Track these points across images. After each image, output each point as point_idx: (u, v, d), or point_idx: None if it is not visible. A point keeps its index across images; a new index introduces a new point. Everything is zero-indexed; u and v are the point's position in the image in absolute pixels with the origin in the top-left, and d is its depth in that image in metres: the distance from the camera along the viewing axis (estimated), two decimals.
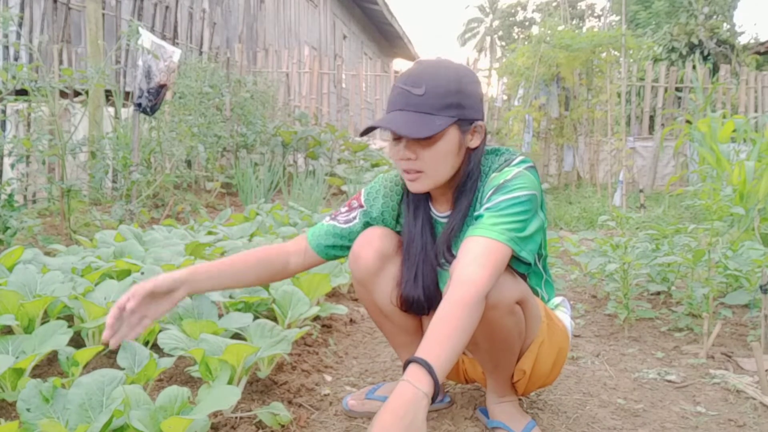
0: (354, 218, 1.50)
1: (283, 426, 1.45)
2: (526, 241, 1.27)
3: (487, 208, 1.28)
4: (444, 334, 1.10)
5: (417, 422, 1.00)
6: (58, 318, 1.90)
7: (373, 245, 1.43)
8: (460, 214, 1.37)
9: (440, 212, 1.44)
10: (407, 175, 1.33)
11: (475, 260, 1.20)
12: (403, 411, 1.00)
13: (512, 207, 1.26)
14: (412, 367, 1.05)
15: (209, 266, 1.44)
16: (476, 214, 1.32)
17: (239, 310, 2.01)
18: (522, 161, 1.34)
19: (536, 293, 1.47)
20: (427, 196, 1.45)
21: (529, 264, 1.33)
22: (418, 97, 1.26)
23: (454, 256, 1.30)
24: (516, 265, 1.31)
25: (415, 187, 1.34)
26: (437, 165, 1.31)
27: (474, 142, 1.35)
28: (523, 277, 1.39)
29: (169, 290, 1.36)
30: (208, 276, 1.42)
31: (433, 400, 1.05)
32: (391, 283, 1.44)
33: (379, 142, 8.82)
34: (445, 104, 1.27)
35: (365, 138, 8.78)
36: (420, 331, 1.57)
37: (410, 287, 1.41)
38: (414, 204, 1.44)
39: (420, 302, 1.43)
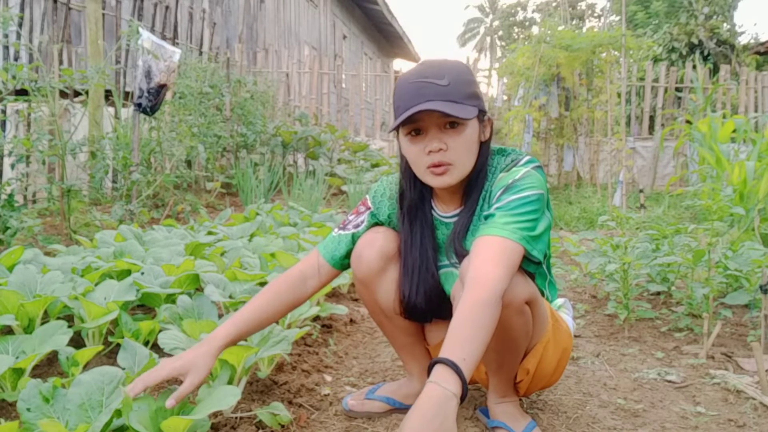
0: (362, 221, 1.51)
1: (283, 426, 1.45)
2: (537, 239, 1.28)
3: (497, 208, 1.28)
4: (467, 335, 1.09)
5: (447, 423, 1.00)
6: (58, 318, 1.91)
7: (376, 245, 1.43)
8: (471, 211, 1.37)
9: (446, 212, 1.43)
10: (435, 170, 1.30)
11: (491, 259, 1.19)
12: (432, 413, 0.99)
13: (523, 206, 1.27)
14: (439, 368, 1.05)
15: (238, 324, 1.37)
16: (485, 213, 1.32)
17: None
18: (529, 161, 1.34)
19: (542, 294, 1.47)
20: (429, 199, 1.45)
21: (539, 263, 1.33)
22: (445, 88, 1.26)
23: (467, 252, 1.30)
24: (525, 265, 1.31)
25: (445, 181, 1.32)
26: (465, 155, 1.31)
27: (485, 134, 1.37)
28: (531, 276, 1.40)
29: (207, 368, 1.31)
30: (240, 336, 1.37)
31: (462, 400, 1.04)
32: (393, 284, 1.44)
33: (378, 142, 8.82)
34: (468, 94, 1.28)
35: (365, 138, 8.78)
36: (421, 333, 1.57)
37: (411, 297, 1.41)
38: (410, 214, 1.43)
39: (422, 311, 1.43)
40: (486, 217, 1.31)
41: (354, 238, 1.49)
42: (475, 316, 1.11)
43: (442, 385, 1.02)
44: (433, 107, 1.24)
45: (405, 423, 1.00)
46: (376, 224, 1.51)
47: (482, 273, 1.17)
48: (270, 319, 1.42)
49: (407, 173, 1.41)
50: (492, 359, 1.42)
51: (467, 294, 1.15)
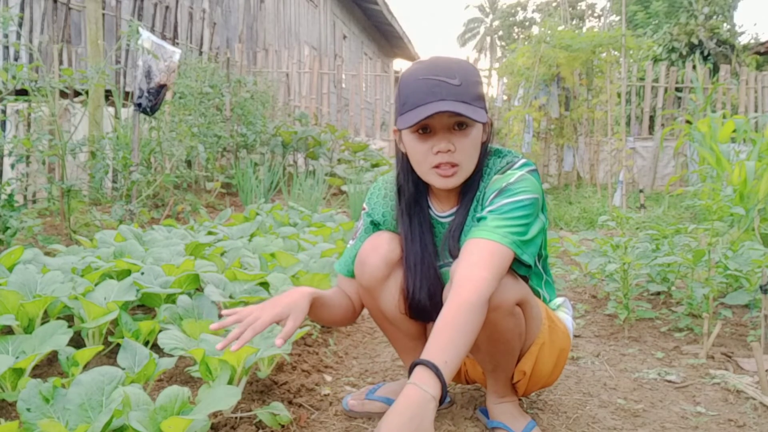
0: (361, 225, 1.51)
1: (283, 426, 1.45)
2: (528, 244, 1.28)
3: (489, 211, 1.28)
4: (449, 337, 1.10)
5: (425, 425, 1.00)
6: (58, 318, 1.91)
7: (380, 252, 1.41)
8: (466, 210, 1.37)
9: (441, 212, 1.43)
10: (442, 171, 1.29)
11: (478, 262, 1.19)
12: (410, 414, 1.00)
13: (515, 210, 1.26)
14: (419, 370, 1.05)
15: (319, 291, 1.40)
16: (478, 216, 1.32)
17: None
18: (524, 164, 1.34)
19: (537, 294, 1.47)
20: (425, 195, 1.44)
21: (530, 267, 1.33)
22: (457, 87, 1.25)
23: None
24: (516, 267, 1.31)
25: (452, 182, 1.31)
26: (471, 156, 1.31)
27: (485, 135, 1.36)
28: (525, 278, 1.39)
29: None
30: (321, 299, 1.39)
31: (440, 402, 1.04)
32: (397, 290, 1.43)
33: (379, 142, 8.82)
34: (477, 95, 1.28)
35: (365, 138, 8.78)
36: (424, 336, 1.56)
37: (415, 293, 1.40)
38: (409, 210, 1.42)
39: (426, 309, 1.42)
40: (478, 220, 1.31)
41: (357, 247, 1.49)
42: (460, 319, 1.12)
43: (422, 388, 1.02)
44: (450, 108, 1.23)
45: (382, 424, 1.00)
46: (372, 223, 1.50)
47: (469, 276, 1.17)
48: (336, 308, 1.46)
49: (404, 168, 1.40)
50: (487, 361, 1.42)
51: (453, 296, 1.15)
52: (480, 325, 1.15)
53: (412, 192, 1.42)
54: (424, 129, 1.29)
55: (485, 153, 1.38)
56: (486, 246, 1.22)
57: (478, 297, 1.14)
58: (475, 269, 1.18)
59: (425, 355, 1.07)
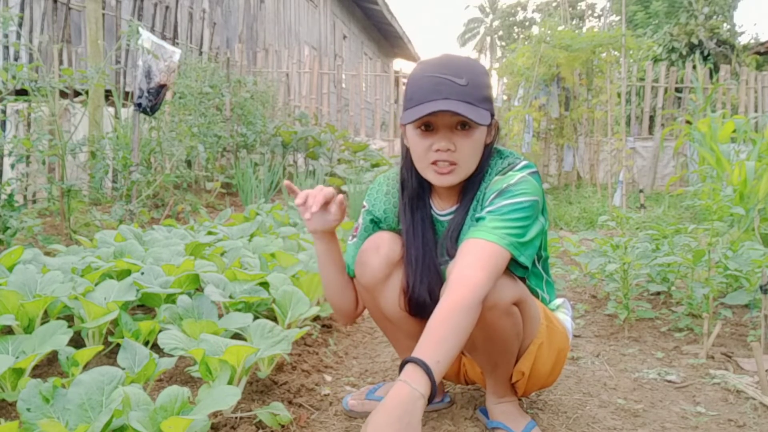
0: (360, 223, 1.51)
1: (283, 426, 1.45)
2: (526, 246, 1.28)
3: (489, 211, 1.28)
4: (441, 336, 1.10)
5: (413, 422, 1.00)
6: (58, 318, 1.91)
7: (381, 252, 1.41)
8: (465, 209, 1.37)
9: (441, 210, 1.43)
10: (440, 168, 1.30)
11: (474, 262, 1.19)
12: (399, 411, 1.00)
13: (514, 212, 1.26)
14: (409, 368, 1.05)
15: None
16: (477, 216, 1.32)
17: (239, 310, 2.01)
18: (525, 166, 1.33)
19: (537, 294, 1.47)
20: (427, 195, 1.44)
21: (527, 268, 1.32)
22: (462, 87, 1.25)
23: None
24: (513, 269, 1.31)
25: (448, 180, 1.32)
26: (472, 156, 1.31)
27: (490, 137, 1.36)
28: (523, 279, 1.39)
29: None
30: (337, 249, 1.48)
31: (430, 400, 1.05)
32: (397, 290, 1.42)
33: (378, 142, 8.82)
34: (483, 96, 1.27)
35: (365, 138, 8.78)
36: None
37: (416, 288, 1.39)
38: (412, 204, 1.42)
39: (426, 305, 1.42)
40: (477, 220, 1.31)
41: (358, 245, 1.49)
42: (453, 318, 1.12)
43: (412, 385, 1.03)
44: (450, 108, 1.23)
45: (370, 420, 1.00)
46: (372, 221, 1.50)
47: (464, 276, 1.17)
48: (344, 281, 1.50)
49: (408, 163, 1.40)
50: (485, 361, 1.42)
51: (447, 296, 1.15)
52: (473, 325, 1.15)
53: (416, 187, 1.42)
54: (427, 126, 1.30)
55: (489, 154, 1.38)
56: (483, 246, 1.22)
57: (472, 297, 1.14)
58: (470, 269, 1.18)
59: (416, 353, 1.07)
